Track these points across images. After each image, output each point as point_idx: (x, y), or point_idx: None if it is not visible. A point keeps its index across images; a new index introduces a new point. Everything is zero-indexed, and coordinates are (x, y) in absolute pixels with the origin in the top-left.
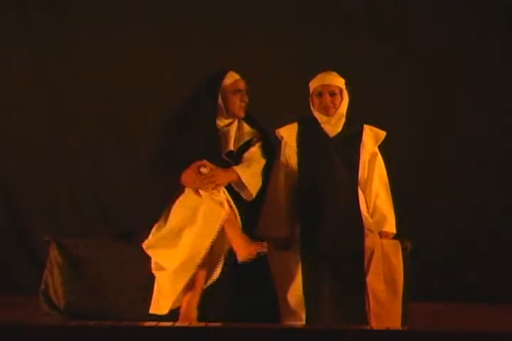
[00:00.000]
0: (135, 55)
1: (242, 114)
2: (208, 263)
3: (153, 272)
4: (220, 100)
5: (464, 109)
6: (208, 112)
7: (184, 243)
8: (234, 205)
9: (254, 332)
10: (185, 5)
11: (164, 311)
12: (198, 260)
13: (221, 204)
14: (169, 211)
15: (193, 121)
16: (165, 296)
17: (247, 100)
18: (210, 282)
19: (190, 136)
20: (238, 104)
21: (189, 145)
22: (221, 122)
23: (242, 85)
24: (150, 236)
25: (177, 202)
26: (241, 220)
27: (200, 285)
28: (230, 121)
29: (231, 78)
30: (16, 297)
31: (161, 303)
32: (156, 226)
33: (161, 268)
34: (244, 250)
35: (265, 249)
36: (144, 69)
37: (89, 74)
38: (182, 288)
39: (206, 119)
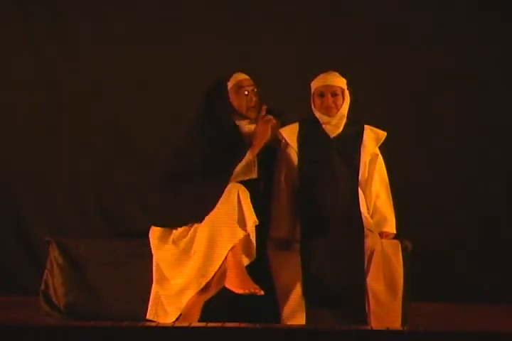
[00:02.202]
0: (136, 54)
1: (252, 115)
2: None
3: (154, 282)
4: (230, 102)
5: (464, 109)
6: (222, 112)
7: (197, 258)
8: (254, 237)
9: (254, 332)
10: (187, 5)
11: (167, 321)
12: (204, 281)
13: (243, 226)
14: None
15: (211, 122)
16: (167, 308)
17: (254, 99)
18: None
19: (213, 137)
20: (244, 104)
21: (213, 146)
22: (239, 122)
23: (245, 83)
24: (174, 241)
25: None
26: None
27: (210, 292)
28: (247, 120)
29: (233, 80)
30: (16, 297)
31: (161, 314)
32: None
33: (166, 281)
34: (237, 284)
35: (260, 293)
36: (145, 69)
37: (89, 73)
38: (184, 305)
39: (223, 119)
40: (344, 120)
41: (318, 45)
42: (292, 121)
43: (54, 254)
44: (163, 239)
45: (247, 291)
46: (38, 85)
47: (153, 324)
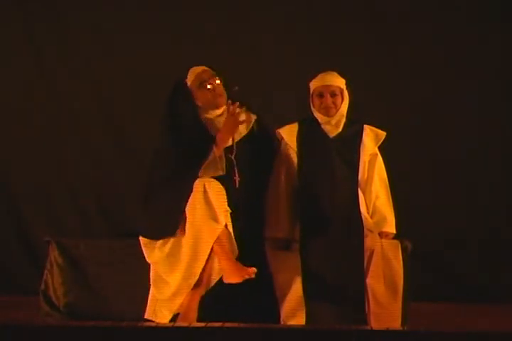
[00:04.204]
0: (136, 55)
1: (221, 104)
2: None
3: (151, 284)
4: (193, 99)
5: (464, 109)
6: (186, 112)
7: (183, 260)
8: (231, 227)
9: (254, 332)
10: (185, 5)
11: (164, 321)
12: (192, 281)
13: (215, 219)
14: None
15: (178, 121)
16: (164, 308)
17: (218, 88)
18: (211, 283)
19: (180, 137)
20: (210, 96)
21: (181, 145)
22: (209, 114)
23: (205, 76)
24: (160, 245)
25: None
26: (239, 225)
27: (202, 287)
28: (219, 111)
29: (191, 75)
30: (16, 297)
31: (158, 314)
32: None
33: (163, 284)
34: (233, 273)
35: (253, 275)
36: (145, 69)
37: (89, 74)
38: (177, 307)
39: (187, 119)
40: (343, 120)
41: (318, 45)
42: (291, 121)
43: (54, 254)
44: (150, 245)
45: (242, 278)
46: (38, 85)
47: (153, 324)
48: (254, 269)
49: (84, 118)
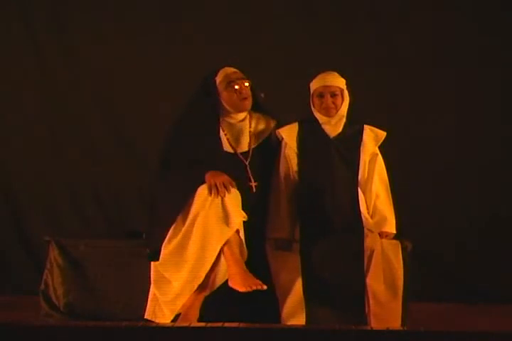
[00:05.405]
0: (136, 55)
1: (246, 107)
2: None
3: (153, 284)
4: (219, 99)
5: (464, 109)
6: (208, 112)
7: (189, 261)
8: (243, 234)
9: (254, 332)
10: (186, 5)
11: (164, 321)
12: (196, 283)
13: (227, 223)
14: (185, 215)
15: (194, 123)
16: (166, 309)
17: (245, 91)
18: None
19: (193, 138)
20: (235, 97)
21: (192, 147)
22: (232, 119)
23: (234, 77)
24: (164, 245)
25: (192, 207)
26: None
27: (206, 290)
28: (242, 115)
29: (221, 74)
30: (16, 297)
31: (158, 314)
32: (172, 230)
33: (165, 283)
34: (240, 282)
35: (263, 288)
36: (145, 69)
37: (89, 74)
38: (179, 308)
39: (207, 120)
40: (343, 120)
41: (318, 45)
42: (291, 121)
43: (54, 254)
44: None
45: (249, 289)
46: (38, 85)
47: (153, 324)
48: (264, 286)
49: (85, 118)
